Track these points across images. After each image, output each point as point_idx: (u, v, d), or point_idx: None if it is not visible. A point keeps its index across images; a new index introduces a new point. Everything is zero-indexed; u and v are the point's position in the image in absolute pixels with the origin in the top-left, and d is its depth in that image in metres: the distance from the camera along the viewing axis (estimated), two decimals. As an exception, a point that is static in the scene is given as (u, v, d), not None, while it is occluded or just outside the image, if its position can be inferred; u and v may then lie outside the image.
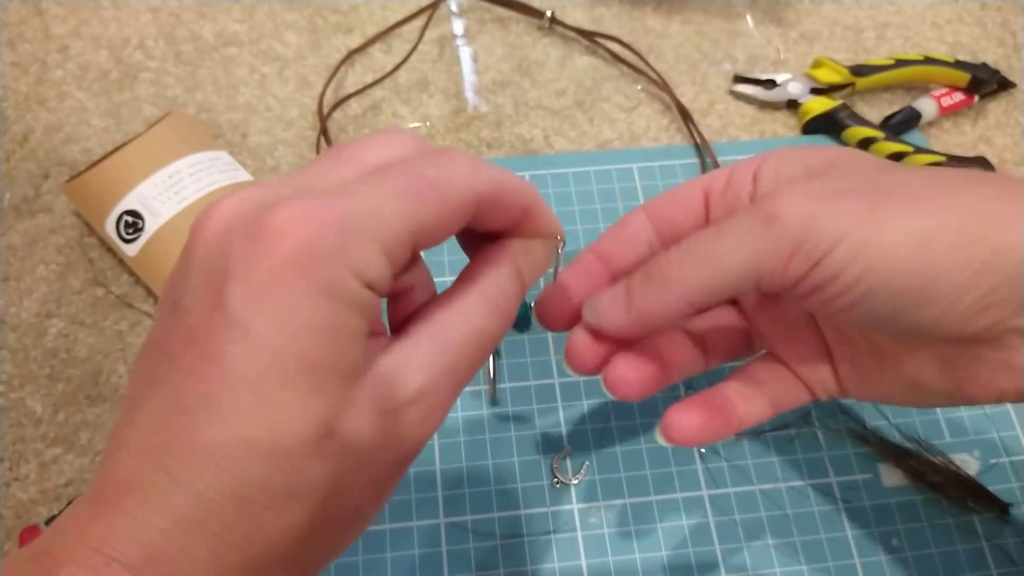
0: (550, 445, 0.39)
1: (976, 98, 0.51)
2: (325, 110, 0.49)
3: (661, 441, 0.29)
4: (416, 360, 0.22)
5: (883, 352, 0.29)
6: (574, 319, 0.30)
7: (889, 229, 0.23)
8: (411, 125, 0.50)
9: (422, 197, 0.21)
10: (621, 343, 0.29)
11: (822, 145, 0.28)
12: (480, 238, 0.25)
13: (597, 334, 0.29)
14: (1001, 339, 0.24)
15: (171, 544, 0.18)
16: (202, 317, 0.19)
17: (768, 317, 0.31)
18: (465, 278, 0.24)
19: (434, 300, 0.24)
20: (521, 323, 0.42)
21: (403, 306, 0.24)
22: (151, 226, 0.41)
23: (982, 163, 0.46)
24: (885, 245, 0.23)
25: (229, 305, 0.19)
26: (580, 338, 0.29)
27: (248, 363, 0.19)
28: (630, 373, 0.29)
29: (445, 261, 0.42)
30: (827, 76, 0.51)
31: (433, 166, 0.21)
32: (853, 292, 0.24)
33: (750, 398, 0.30)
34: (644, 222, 0.30)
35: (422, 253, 0.24)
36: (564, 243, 0.26)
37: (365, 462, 0.21)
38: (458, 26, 0.54)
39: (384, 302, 0.23)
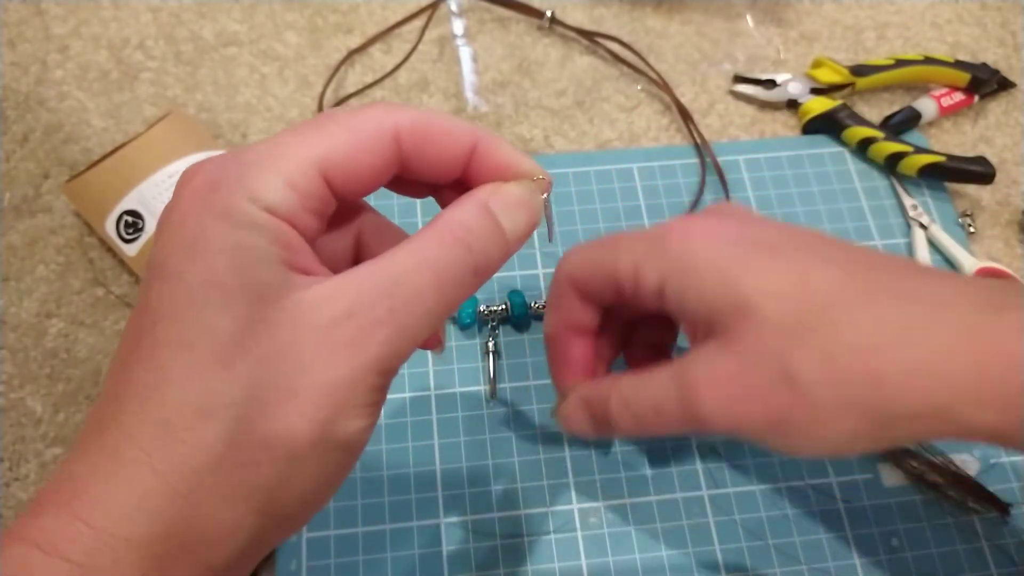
0: (550, 445, 0.39)
1: (976, 98, 0.51)
2: (325, 110, 0.49)
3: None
4: (347, 285, 0.21)
5: None
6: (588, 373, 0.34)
7: (793, 440, 0.27)
8: (411, 125, 0.50)
9: (327, 132, 0.22)
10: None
11: (721, 263, 0.27)
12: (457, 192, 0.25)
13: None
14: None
15: (86, 470, 0.20)
16: (143, 281, 0.21)
17: None
18: (430, 221, 0.23)
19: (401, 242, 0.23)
20: (521, 323, 0.42)
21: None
22: (151, 226, 0.41)
23: (982, 163, 0.46)
24: (794, 446, 0.27)
25: (155, 258, 0.21)
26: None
27: (166, 297, 0.20)
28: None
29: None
30: (827, 76, 0.51)
31: (347, 111, 0.22)
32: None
33: None
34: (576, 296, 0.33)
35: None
36: (550, 183, 0.25)
37: (292, 378, 0.20)
38: (458, 26, 0.54)
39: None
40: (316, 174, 0.21)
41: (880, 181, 0.48)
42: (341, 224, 0.25)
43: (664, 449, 0.39)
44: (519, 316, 0.42)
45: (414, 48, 0.52)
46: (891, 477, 0.39)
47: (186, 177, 0.21)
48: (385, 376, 0.21)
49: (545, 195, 0.25)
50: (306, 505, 0.22)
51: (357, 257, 0.26)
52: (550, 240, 0.27)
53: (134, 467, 0.19)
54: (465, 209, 0.23)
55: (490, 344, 0.41)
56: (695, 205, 0.46)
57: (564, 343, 0.34)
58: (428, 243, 0.22)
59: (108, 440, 0.20)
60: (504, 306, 0.42)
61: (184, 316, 0.20)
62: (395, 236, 0.26)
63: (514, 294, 0.42)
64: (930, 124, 0.51)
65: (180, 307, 0.20)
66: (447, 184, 0.25)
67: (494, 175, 0.24)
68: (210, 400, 0.20)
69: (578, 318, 0.33)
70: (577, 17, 0.54)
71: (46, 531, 0.19)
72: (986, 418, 0.24)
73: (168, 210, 0.21)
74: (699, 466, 0.39)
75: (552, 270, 0.44)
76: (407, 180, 0.24)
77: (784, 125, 0.51)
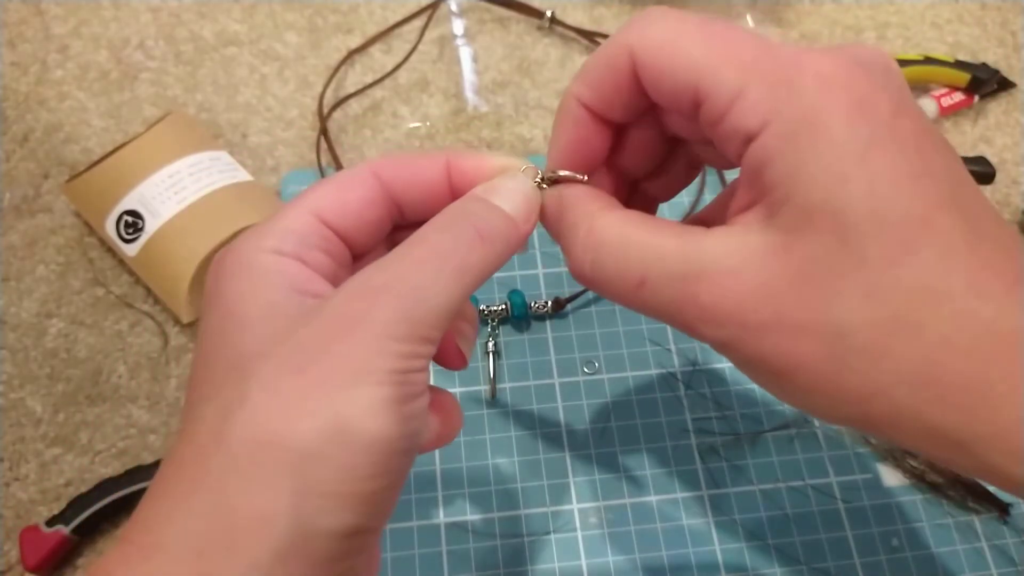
0: (550, 445, 0.39)
1: (976, 98, 0.51)
2: (325, 110, 0.49)
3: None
4: (345, 284, 0.22)
5: None
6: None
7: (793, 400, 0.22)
8: (411, 125, 0.50)
9: (315, 187, 0.24)
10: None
11: (845, 140, 0.20)
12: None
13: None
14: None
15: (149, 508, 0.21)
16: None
17: None
18: None
19: None
20: (521, 323, 0.42)
21: None
22: (151, 226, 0.41)
23: (982, 163, 0.46)
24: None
25: (201, 325, 0.23)
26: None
27: (199, 354, 0.23)
28: None
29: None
30: (827, 76, 0.51)
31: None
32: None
33: None
34: (628, 72, 0.23)
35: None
36: (537, 171, 0.25)
37: (307, 361, 0.20)
38: (458, 26, 0.54)
39: None
40: (309, 215, 0.24)
41: (880, 181, 0.48)
42: None
43: (664, 449, 0.39)
44: (519, 316, 0.42)
45: (414, 48, 0.52)
46: (891, 477, 0.39)
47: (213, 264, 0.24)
48: (404, 342, 0.21)
49: (538, 180, 0.25)
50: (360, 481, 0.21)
51: None
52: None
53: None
54: (466, 201, 0.24)
55: (490, 344, 0.41)
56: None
57: (579, 119, 0.24)
58: (422, 230, 0.23)
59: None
60: (504, 306, 0.42)
61: (213, 349, 0.22)
62: None
63: (514, 294, 0.42)
64: (930, 124, 0.51)
65: (211, 347, 0.22)
66: None
67: (479, 182, 0.25)
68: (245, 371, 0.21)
69: (612, 98, 0.24)
70: (577, 17, 0.54)
71: None
72: None
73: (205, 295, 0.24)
74: (699, 466, 0.39)
75: (552, 270, 0.44)
76: (412, 225, 0.25)
77: (784, 125, 0.51)
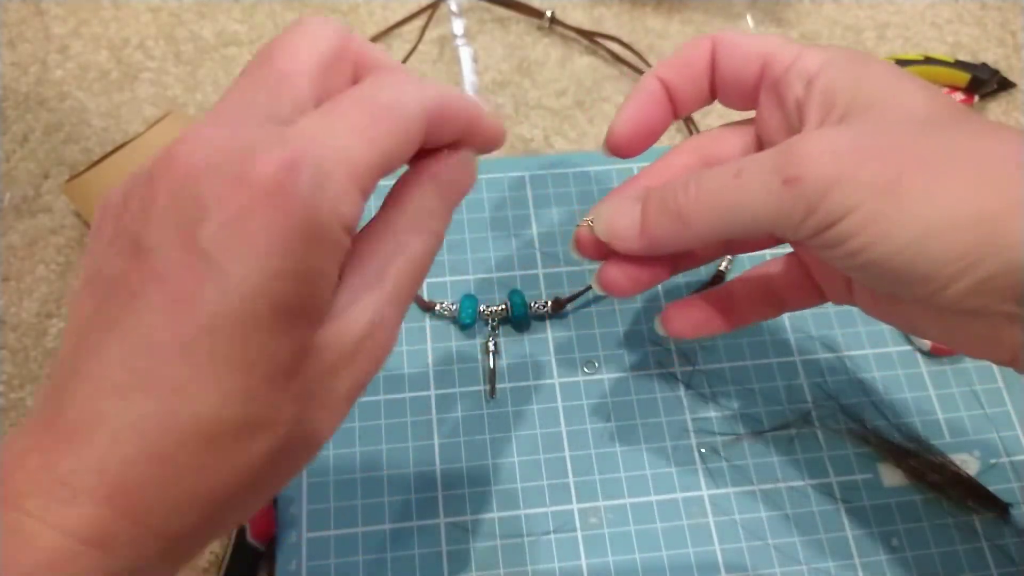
0: (550, 445, 0.39)
1: (976, 98, 0.51)
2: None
3: (659, 331, 0.33)
4: (363, 299, 0.22)
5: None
6: (640, 148, 0.30)
7: (899, 212, 0.23)
8: (411, 125, 0.50)
9: (383, 125, 0.21)
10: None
11: (885, 68, 0.27)
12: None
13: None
14: (989, 318, 0.24)
15: (140, 475, 0.19)
16: (171, 259, 0.19)
17: None
18: (394, 202, 0.24)
19: (369, 229, 0.23)
20: (521, 323, 0.42)
21: None
22: (151, 226, 0.41)
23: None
24: (889, 228, 0.23)
25: (203, 247, 0.19)
26: (614, 268, 0.30)
27: (222, 305, 0.19)
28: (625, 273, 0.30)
29: (445, 261, 0.42)
30: (827, 76, 0.51)
31: (384, 88, 0.22)
32: (853, 260, 0.24)
33: (755, 298, 0.33)
34: (707, 58, 0.30)
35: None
36: (499, 145, 0.26)
37: (326, 394, 0.22)
38: (458, 26, 0.54)
39: None
40: (380, 174, 0.21)
41: (880, 181, 0.48)
42: None
43: (664, 449, 0.39)
44: (519, 316, 0.42)
45: (414, 48, 0.52)
46: (891, 477, 0.39)
47: (253, 176, 0.19)
48: None
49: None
50: None
51: None
52: None
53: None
54: (432, 196, 0.24)
55: (490, 344, 0.41)
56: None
57: (652, 91, 0.30)
58: (413, 239, 0.24)
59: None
60: (504, 306, 0.42)
61: (246, 335, 0.19)
62: None
63: (514, 294, 0.42)
64: (930, 124, 0.51)
65: (240, 323, 0.19)
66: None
67: (469, 144, 0.25)
68: (267, 421, 0.20)
69: (687, 72, 0.30)
70: (577, 17, 0.54)
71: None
72: None
73: (225, 204, 0.19)
74: (699, 466, 0.39)
75: (552, 270, 0.44)
76: None
77: (784, 125, 0.51)
